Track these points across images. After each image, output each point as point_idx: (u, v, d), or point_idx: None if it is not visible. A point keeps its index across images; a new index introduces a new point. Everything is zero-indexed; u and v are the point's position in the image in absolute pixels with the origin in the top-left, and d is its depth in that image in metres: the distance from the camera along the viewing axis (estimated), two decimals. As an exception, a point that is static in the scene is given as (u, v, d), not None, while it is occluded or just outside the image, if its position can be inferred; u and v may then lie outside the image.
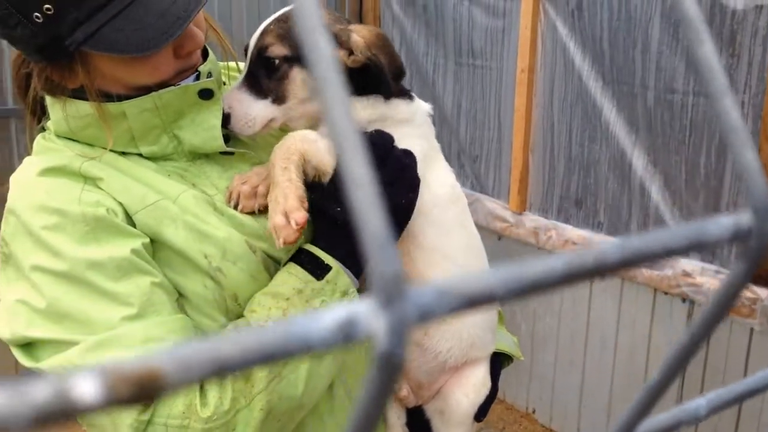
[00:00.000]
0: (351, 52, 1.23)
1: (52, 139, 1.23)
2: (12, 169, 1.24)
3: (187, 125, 1.21)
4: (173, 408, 1.04)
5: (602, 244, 0.27)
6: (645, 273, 3.25)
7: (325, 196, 1.19)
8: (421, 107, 1.36)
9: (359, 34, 1.23)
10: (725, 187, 2.96)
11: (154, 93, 1.16)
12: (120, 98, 1.18)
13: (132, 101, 1.16)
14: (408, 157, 1.25)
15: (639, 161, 3.24)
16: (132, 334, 1.05)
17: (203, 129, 1.21)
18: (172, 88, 1.17)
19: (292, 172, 1.15)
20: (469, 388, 1.39)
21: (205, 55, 1.28)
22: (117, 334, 1.05)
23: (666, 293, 3.23)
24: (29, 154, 1.26)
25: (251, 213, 1.22)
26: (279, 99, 1.25)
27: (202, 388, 1.06)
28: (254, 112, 1.24)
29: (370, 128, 1.27)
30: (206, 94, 1.21)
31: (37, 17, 1.05)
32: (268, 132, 1.29)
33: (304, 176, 1.19)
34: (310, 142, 1.20)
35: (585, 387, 3.74)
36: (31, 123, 1.32)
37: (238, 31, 4.43)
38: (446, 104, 4.16)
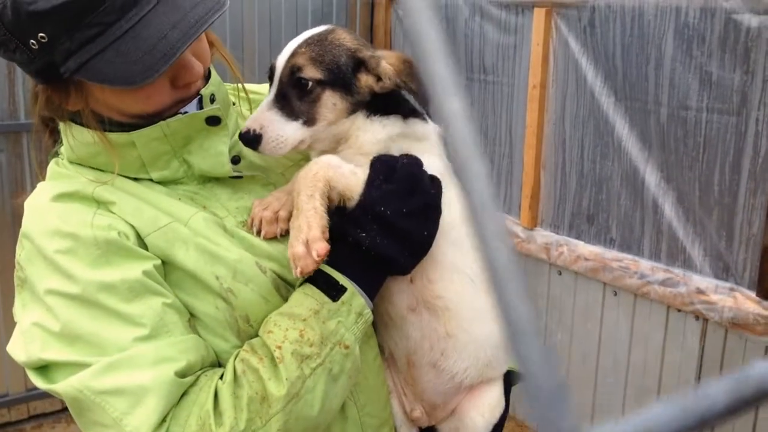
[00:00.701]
0: (379, 79, 1.26)
1: (65, 165, 1.25)
2: (24, 183, 1.26)
3: (195, 150, 1.22)
4: (186, 427, 1.04)
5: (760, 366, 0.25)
6: (658, 290, 3.23)
7: (349, 221, 1.19)
8: (434, 127, 1.37)
9: (388, 62, 1.25)
10: (739, 204, 2.94)
11: (161, 122, 1.18)
12: (123, 126, 1.19)
13: (140, 132, 1.18)
14: (435, 187, 1.25)
15: (652, 177, 3.22)
16: (144, 354, 1.06)
17: (211, 155, 1.23)
18: (179, 116, 1.19)
19: (317, 200, 1.16)
20: (485, 407, 1.38)
21: (207, 76, 1.28)
22: (129, 355, 1.05)
23: (679, 310, 3.20)
24: (38, 170, 1.28)
25: (273, 238, 1.22)
26: (310, 121, 1.26)
27: (216, 407, 1.06)
28: (286, 133, 1.25)
29: (393, 146, 1.29)
30: (214, 121, 1.22)
31: (33, 44, 1.09)
32: (294, 153, 1.31)
33: (329, 202, 1.19)
34: (335, 168, 1.21)
35: (596, 406, 3.70)
36: (37, 142, 1.34)
37: (250, 53, 4.45)
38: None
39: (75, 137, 1.23)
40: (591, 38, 3.38)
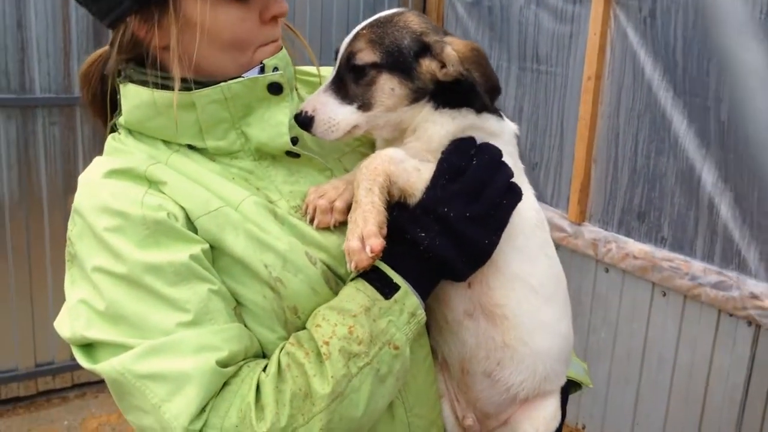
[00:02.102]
0: (443, 65, 1.20)
1: (121, 140, 1.23)
2: (76, 156, 1.25)
3: (255, 122, 1.19)
4: (226, 419, 1.01)
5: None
6: (710, 293, 3.13)
7: (408, 219, 1.15)
8: (510, 126, 1.30)
9: (454, 47, 1.18)
10: (800, 207, 2.83)
11: (223, 84, 1.15)
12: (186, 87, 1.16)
13: (201, 91, 1.15)
14: (510, 195, 1.18)
15: (709, 176, 3.11)
16: (186, 341, 1.03)
17: (270, 125, 1.19)
18: (241, 79, 1.16)
19: (375, 195, 1.13)
20: (539, 421, 1.32)
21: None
22: (171, 341, 1.03)
23: (731, 315, 3.10)
24: (94, 141, 1.27)
25: (326, 229, 1.19)
26: (365, 106, 1.21)
27: (258, 400, 1.03)
28: (339, 117, 1.21)
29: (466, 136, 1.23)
30: (275, 89, 1.18)
31: None
32: (350, 138, 1.27)
33: (389, 197, 1.15)
34: (397, 163, 1.16)
35: (639, 405, 3.63)
36: (95, 117, 1.33)
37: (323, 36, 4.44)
38: (507, 109, 4.09)
39: (132, 98, 1.20)
40: (651, 30, 3.27)
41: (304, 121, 1.21)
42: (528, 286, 1.25)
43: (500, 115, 1.29)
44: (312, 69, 1.44)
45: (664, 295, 3.39)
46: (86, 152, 4.16)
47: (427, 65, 1.20)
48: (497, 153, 1.19)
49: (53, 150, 4.12)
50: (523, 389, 1.29)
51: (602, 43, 3.45)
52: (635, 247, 3.49)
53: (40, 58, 3.99)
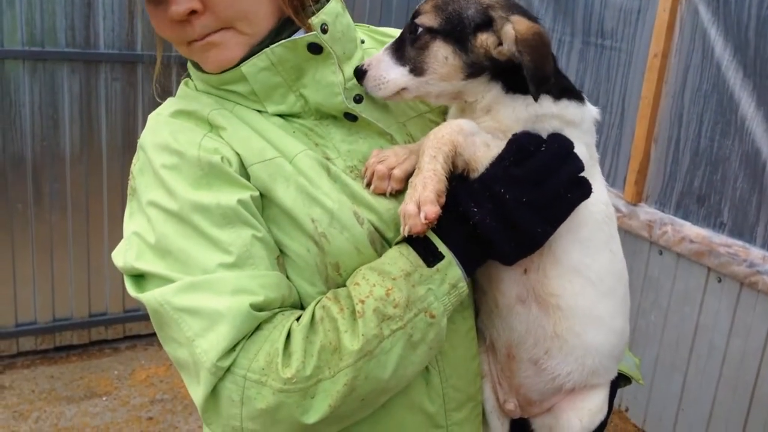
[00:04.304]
0: (500, 43, 1.16)
1: (192, 87, 1.27)
2: (136, 112, 1.29)
3: (310, 83, 1.20)
4: (254, 361, 1.03)
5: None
6: (767, 281, 3.06)
7: (464, 191, 1.13)
8: (590, 111, 1.25)
9: (515, 26, 1.14)
10: None
11: (266, 50, 1.15)
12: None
13: (247, 62, 1.16)
14: (576, 189, 1.15)
15: (775, 162, 3.03)
16: (224, 281, 1.05)
17: (323, 86, 1.19)
18: (283, 41, 1.16)
19: (439, 163, 1.11)
20: (584, 412, 1.30)
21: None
22: (210, 279, 1.05)
23: (788, 305, 3.03)
24: (153, 99, 1.30)
25: (382, 195, 1.18)
26: (417, 70, 1.20)
27: (287, 348, 1.05)
28: (389, 76, 1.20)
29: (539, 127, 1.18)
30: (315, 49, 1.17)
31: None
32: (399, 100, 1.25)
33: (453, 168, 1.14)
34: (465, 135, 1.14)
35: (685, 392, 3.58)
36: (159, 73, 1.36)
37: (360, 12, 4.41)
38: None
39: (195, 74, 1.24)
40: (724, 7, 3.16)
41: (358, 73, 1.22)
42: (586, 279, 1.22)
43: (581, 100, 1.23)
44: (393, 31, 1.44)
45: (720, 281, 3.33)
46: (146, 109, 4.23)
47: (483, 39, 1.16)
48: (568, 144, 1.15)
49: (114, 106, 4.21)
50: (569, 380, 1.27)
51: (671, 20, 3.35)
52: (692, 230, 3.42)
53: (105, 14, 4.06)
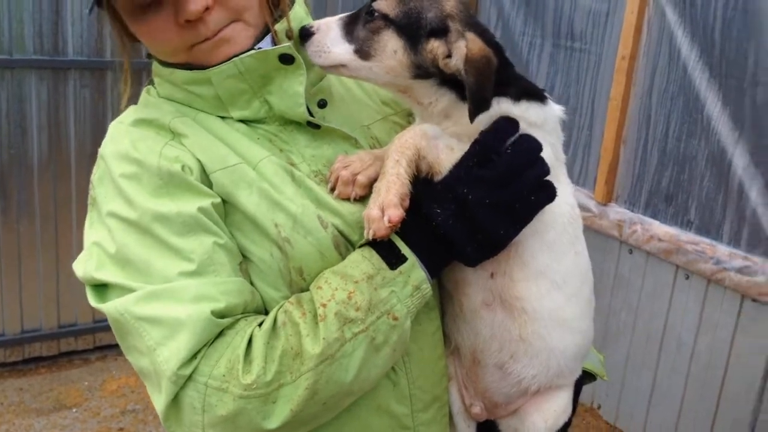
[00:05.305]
0: (449, 55, 1.15)
1: (154, 95, 1.26)
2: (105, 119, 1.28)
3: (275, 91, 1.19)
4: (215, 368, 1.03)
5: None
6: (734, 277, 3.12)
7: (428, 194, 1.13)
8: (553, 111, 1.23)
9: (468, 44, 1.12)
10: (833, 194, 2.81)
11: (235, 59, 1.15)
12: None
13: (215, 69, 1.16)
14: (541, 192, 1.14)
15: (740, 160, 3.09)
16: (185, 289, 1.05)
17: (288, 96, 1.19)
18: (252, 51, 1.15)
19: (402, 167, 1.11)
20: (549, 413, 1.30)
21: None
22: (171, 288, 1.05)
23: (754, 300, 3.09)
24: (121, 106, 1.30)
25: (346, 200, 1.18)
26: (362, 53, 1.18)
27: (248, 353, 1.04)
28: (333, 48, 1.18)
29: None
30: (288, 60, 1.17)
31: None
32: (335, 72, 1.24)
33: (418, 172, 1.13)
34: (429, 139, 1.14)
35: (656, 389, 3.63)
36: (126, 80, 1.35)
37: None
38: (538, 86, 4.06)
39: (159, 73, 1.23)
40: (690, 9, 3.23)
41: (305, 33, 1.20)
42: (552, 281, 1.22)
43: (543, 100, 1.22)
44: None
45: (687, 278, 3.39)
46: (115, 116, 4.16)
47: (434, 47, 1.15)
48: (536, 147, 1.14)
49: (83, 113, 4.15)
50: (535, 383, 1.27)
51: (639, 22, 3.42)
52: (660, 229, 3.48)
53: (73, 21, 4.01)
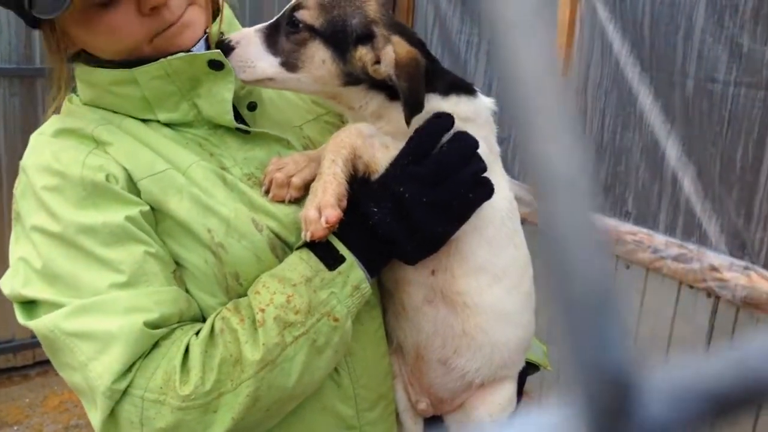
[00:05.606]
0: (378, 61, 1.13)
1: (77, 103, 1.22)
2: (37, 127, 1.23)
3: (205, 95, 1.16)
4: (151, 380, 1.00)
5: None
6: (671, 265, 3.21)
7: (364, 193, 1.12)
8: (484, 104, 1.23)
9: (395, 49, 1.11)
10: (760, 181, 2.90)
11: (163, 60, 1.12)
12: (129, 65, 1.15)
13: (141, 68, 1.13)
14: (479, 189, 1.13)
15: (673, 151, 3.18)
16: (116, 301, 1.02)
17: (217, 101, 1.16)
18: (181, 54, 1.13)
19: (338, 166, 1.10)
20: (495, 406, 1.31)
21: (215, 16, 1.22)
22: (101, 300, 1.02)
23: (691, 287, 3.18)
24: (46, 115, 1.26)
25: (281, 202, 1.16)
26: (289, 65, 1.15)
27: (185, 363, 1.02)
28: (258, 62, 1.15)
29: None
30: (217, 66, 1.15)
31: None
32: (261, 86, 1.21)
33: (354, 171, 1.13)
34: (364, 137, 1.13)
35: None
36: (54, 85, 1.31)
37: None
38: (477, 84, 4.10)
39: (83, 77, 1.19)
40: (620, 4, 3.30)
41: (224, 47, 1.16)
42: (492, 275, 1.23)
43: (473, 92, 1.21)
44: None
45: (628, 267, 3.46)
46: (47, 124, 4.07)
47: (362, 54, 1.14)
48: (472, 144, 1.13)
49: (12, 123, 4.02)
50: (478, 376, 1.28)
51: (572, 18, 3.48)
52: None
53: (1, 28, 3.88)
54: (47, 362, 4.51)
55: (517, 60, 0.20)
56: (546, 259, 0.19)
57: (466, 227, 1.15)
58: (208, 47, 1.19)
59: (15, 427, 3.86)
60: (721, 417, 0.20)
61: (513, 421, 0.18)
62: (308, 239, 1.07)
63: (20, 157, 1.17)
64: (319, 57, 1.15)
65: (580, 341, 0.18)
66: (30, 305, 1.09)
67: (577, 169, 0.18)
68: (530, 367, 1.46)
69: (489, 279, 1.23)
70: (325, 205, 1.06)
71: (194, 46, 1.17)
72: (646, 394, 0.18)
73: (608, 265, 0.18)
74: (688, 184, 3.14)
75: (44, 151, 1.12)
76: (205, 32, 1.19)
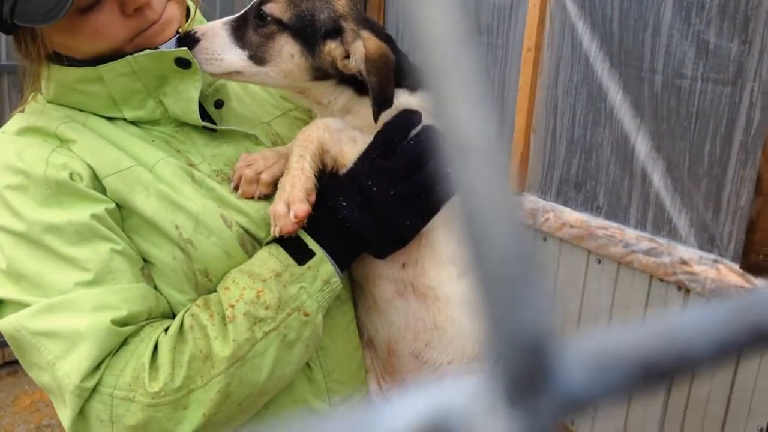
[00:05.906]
0: (347, 56, 1.14)
1: (42, 102, 1.20)
2: (3, 124, 1.21)
3: (171, 92, 1.16)
4: (120, 378, 1.00)
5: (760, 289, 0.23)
6: (642, 259, 3.24)
7: (333, 187, 1.13)
8: (420, 99, 1.22)
9: (365, 44, 1.12)
10: (728, 175, 2.94)
11: (129, 57, 1.12)
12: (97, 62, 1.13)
13: (106, 65, 1.12)
14: (448, 183, 1.14)
15: (642, 146, 3.21)
16: (83, 299, 1.02)
17: (183, 99, 1.16)
18: (148, 51, 1.12)
19: (306, 161, 1.10)
20: None
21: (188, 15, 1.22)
22: (68, 299, 1.02)
23: (662, 280, 3.22)
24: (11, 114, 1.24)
25: (250, 199, 1.16)
26: (257, 59, 1.15)
27: (154, 360, 1.02)
28: (225, 55, 1.15)
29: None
30: (184, 64, 1.14)
31: None
32: (228, 79, 1.21)
33: (323, 166, 1.13)
34: (332, 132, 1.14)
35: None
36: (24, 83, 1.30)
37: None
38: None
39: (49, 76, 1.18)
40: (589, 1, 3.33)
41: (189, 40, 1.16)
42: (462, 268, 1.23)
43: (413, 88, 1.21)
44: None
45: (599, 262, 3.49)
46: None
47: (331, 49, 1.14)
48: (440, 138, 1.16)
49: (-20, 119, 3.96)
50: (450, 369, 1.28)
51: (542, 15, 3.50)
52: (572, 216, 3.57)
53: (-36, 22, 3.82)
54: (17, 362, 4.46)
55: (427, 23, 0.20)
56: (460, 226, 0.19)
57: (436, 221, 1.15)
58: (178, 45, 1.18)
59: (-16, 429, 3.81)
60: (644, 386, 0.20)
61: (429, 390, 0.18)
62: (277, 234, 1.07)
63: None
64: (287, 51, 1.15)
65: (495, 307, 0.18)
66: None
67: (483, 132, 0.18)
68: None
69: (459, 272, 1.23)
70: (293, 200, 1.07)
71: (164, 43, 1.16)
72: (565, 360, 0.18)
73: (522, 230, 0.18)
74: (657, 179, 3.18)
75: (7, 149, 1.11)
76: (178, 31, 1.18)
